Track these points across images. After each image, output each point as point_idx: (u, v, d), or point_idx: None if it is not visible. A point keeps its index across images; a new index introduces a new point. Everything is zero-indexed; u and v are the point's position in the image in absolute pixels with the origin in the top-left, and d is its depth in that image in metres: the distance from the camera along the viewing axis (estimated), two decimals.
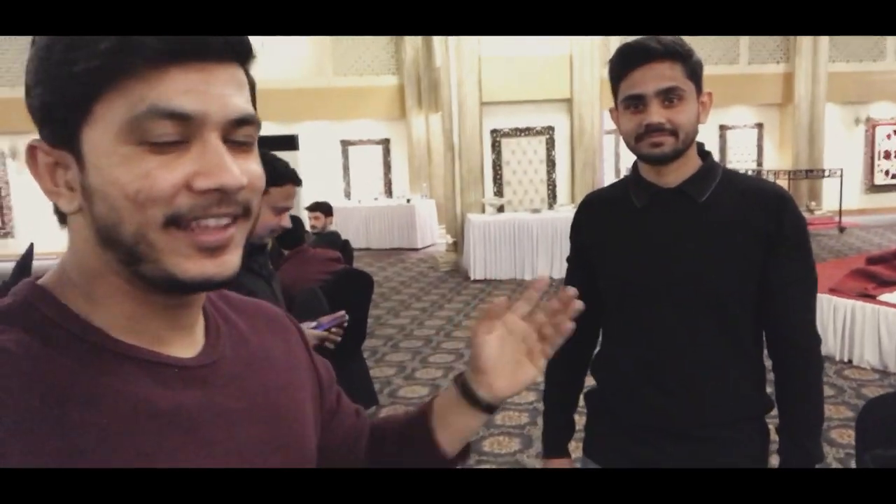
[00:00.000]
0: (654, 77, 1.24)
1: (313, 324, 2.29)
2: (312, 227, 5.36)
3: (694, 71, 1.28)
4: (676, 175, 1.31)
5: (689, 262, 1.27)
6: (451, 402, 0.81)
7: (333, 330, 2.41)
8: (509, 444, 3.45)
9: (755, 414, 1.36)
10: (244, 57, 0.59)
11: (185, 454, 0.56)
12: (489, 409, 0.79)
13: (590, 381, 1.49)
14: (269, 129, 11.07)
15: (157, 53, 0.53)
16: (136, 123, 0.53)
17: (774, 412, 1.36)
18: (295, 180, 1.88)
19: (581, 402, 1.52)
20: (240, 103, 0.57)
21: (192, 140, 0.54)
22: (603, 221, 1.41)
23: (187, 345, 0.62)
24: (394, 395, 4.17)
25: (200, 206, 0.55)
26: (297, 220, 3.77)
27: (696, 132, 1.30)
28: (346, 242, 5.23)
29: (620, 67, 1.28)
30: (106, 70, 0.52)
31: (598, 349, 1.49)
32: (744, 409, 1.34)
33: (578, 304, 0.76)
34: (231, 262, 0.58)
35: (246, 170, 0.57)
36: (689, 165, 1.32)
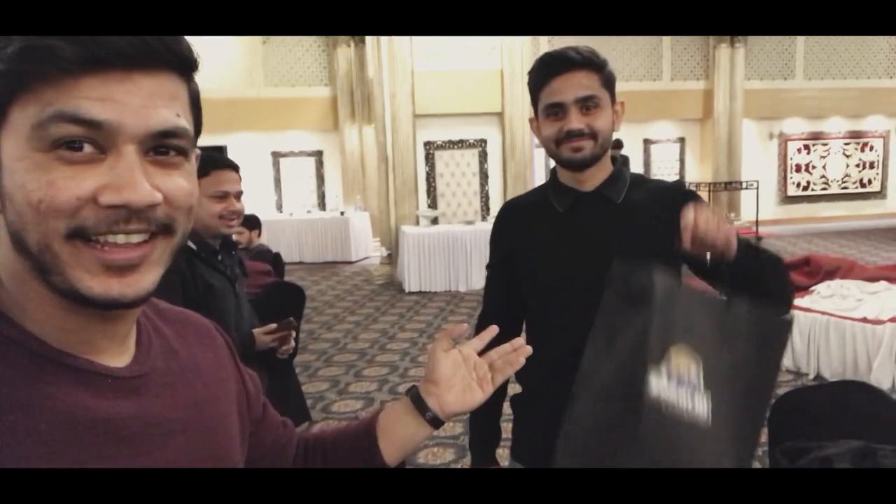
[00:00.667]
0: (574, 85, 1.30)
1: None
2: (238, 241, 5.19)
3: (608, 80, 1.35)
4: (594, 179, 1.39)
5: (609, 261, 1.30)
6: (398, 412, 0.86)
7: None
8: (444, 455, 3.46)
9: None
10: (180, 66, 0.57)
11: (118, 464, 0.56)
12: (435, 421, 0.84)
13: (515, 388, 1.51)
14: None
15: (70, 62, 0.51)
16: (41, 128, 0.51)
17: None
18: (219, 164, 1.90)
19: (507, 408, 1.54)
20: (165, 115, 0.55)
21: (108, 151, 0.53)
22: (525, 227, 1.44)
23: (119, 354, 0.61)
24: (327, 410, 4.11)
25: (106, 221, 0.53)
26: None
27: (611, 138, 1.38)
28: (278, 255, 5.12)
29: (541, 76, 1.34)
30: (16, 75, 0.51)
31: None
32: None
33: (528, 350, 0.88)
34: (142, 282, 0.56)
35: (168, 185, 0.56)
36: (605, 170, 1.40)
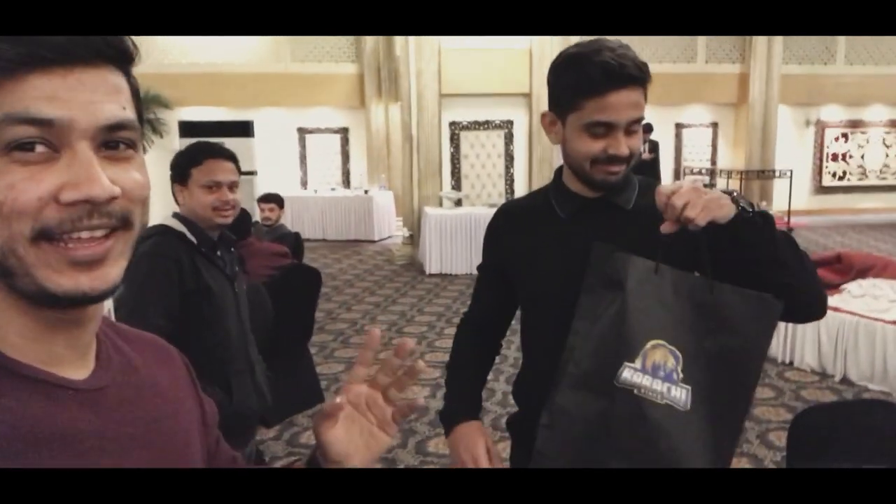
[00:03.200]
0: (630, 106, 1.17)
1: None
2: (266, 219, 5.15)
3: (646, 95, 1.23)
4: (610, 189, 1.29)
5: None
6: None
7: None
8: None
9: None
10: (118, 60, 0.58)
11: None
12: None
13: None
14: (222, 114, 10.81)
15: (13, 62, 0.51)
16: None
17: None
18: (212, 153, 1.85)
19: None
20: (112, 109, 0.56)
21: (62, 150, 0.53)
22: (524, 232, 1.35)
23: (79, 366, 0.61)
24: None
25: (69, 218, 0.53)
26: (242, 212, 3.66)
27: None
28: (297, 235, 5.11)
29: (594, 85, 1.16)
30: None
31: (518, 372, 1.45)
32: None
33: (410, 343, 0.75)
34: (110, 275, 0.57)
35: (123, 179, 0.56)
36: None
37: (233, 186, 1.87)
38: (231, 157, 1.91)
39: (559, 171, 1.34)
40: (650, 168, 9.07)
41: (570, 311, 1.24)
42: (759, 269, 1.12)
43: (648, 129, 9.09)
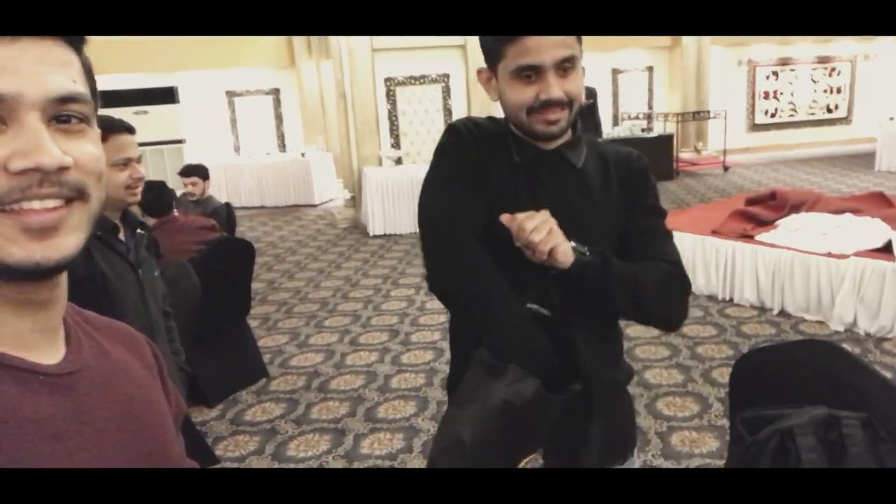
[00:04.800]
0: (553, 45, 1.10)
1: None
2: (189, 193, 4.86)
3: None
4: (554, 140, 1.23)
5: (570, 223, 1.17)
6: None
7: None
8: (404, 408, 3.38)
9: (623, 379, 1.36)
10: (67, 35, 0.59)
11: (52, 462, 0.56)
12: None
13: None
14: (143, 81, 10.25)
15: None
16: None
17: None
18: (116, 127, 1.76)
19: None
20: (60, 81, 0.56)
21: (10, 121, 0.54)
22: (488, 159, 1.23)
23: (50, 351, 0.61)
24: (285, 366, 3.99)
25: (19, 187, 0.54)
26: (161, 185, 3.46)
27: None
28: (228, 206, 4.89)
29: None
30: None
31: (453, 322, 1.37)
32: (618, 374, 1.34)
33: None
34: (64, 245, 0.57)
35: (76, 151, 0.57)
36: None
37: (139, 160, 1.81)
38: (132, 129, 1.84)
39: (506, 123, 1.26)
40: (590, 115, 9.02)
41: (516, 258, 1.14)
42: (611, 302, 1.20)
43: (591, 94, 9.00)
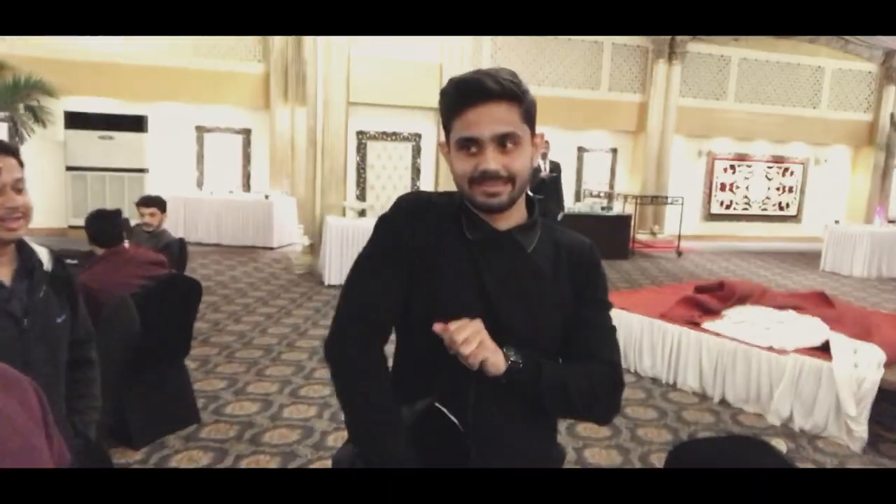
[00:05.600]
0: (492, 120, 1.16)
1: None
2: (146, 224, 4.76)
3: (529, 113, 1.21)
4: (507, 221, 1.27)
5: (515, 308, 1.21)
6: None
7: None
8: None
9: (554, 465, 1.39)
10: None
11: None
12: None
13: None
14: (114, 106, 10.16)
15: None
16: None
17: None
18: None
19: None
20: None
21: None
22: (433, 239, 1.24)
23: None
24: (219, 413, 3.85)
25: None
26: (110, 214, 3.37)
27: (529, 177, 1.25)
28: (181, 242, 4.79)
29: (454, 103, 1.19)
30: None
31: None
32: (546, 461, 1.34)
33: None
34: None
35: None
36: (519, 213, 1.28)
37: (17, 186, 1.51)
38: (10, 150, 1.54)
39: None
40: (553, 188, 9.20)
41: (440, 347, 1.17)
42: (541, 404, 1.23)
43: (555, 168, 9.20)
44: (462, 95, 1.17)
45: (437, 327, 1.14)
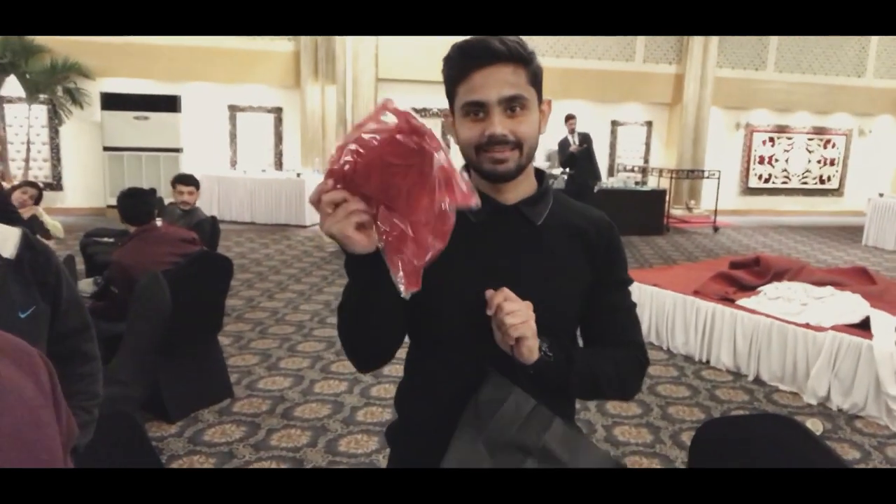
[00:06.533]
0: (498, 82, 1.12)
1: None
2: (184, 203, 4.83)
3: (536, 76, 1.17)
4: (515, 193, 1.22)
5: (527, 286, 1.15)
6: None
7: None
8: (367, 444, 3.31)
9: None
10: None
11: None
12: None
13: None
14: (149, 87, 10.30)
15: None
16: None
17: None
18: None
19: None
20: None
21: None
22: None
23: None
24: (252, 388, 3.92)
25: None
26: (141, 192, 3.43)
27: (537, 144, 1.20)
28: (213, 220, 4.85)
29: (459, 68, 1.15)
30: None
31: (404, 378, 1.34)
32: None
33: None
34: None
35: None
36: (528, 184, 1.24)
37: None
38: None
39: (467, 169, 1.24)
40: (587, 160, 9.07)
41: (464, 323, 1.17)
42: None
43: (586, 140, 9.09)
44: (467, 58, 1.14)
45: (489, 292, 1.11)
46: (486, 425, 1.11)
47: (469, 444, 1.09)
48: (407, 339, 1.34)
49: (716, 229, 10.90)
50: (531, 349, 1.10)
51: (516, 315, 1.08)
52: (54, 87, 9.61)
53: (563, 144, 9.06)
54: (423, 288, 1.21)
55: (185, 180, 4.83)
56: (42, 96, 9.76)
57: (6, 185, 5.84)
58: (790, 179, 13.64)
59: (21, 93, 9.53)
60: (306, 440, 3.31)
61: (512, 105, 1.13)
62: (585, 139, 9.04)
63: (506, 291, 1.10)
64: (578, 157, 8.87)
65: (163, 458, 3.04)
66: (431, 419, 1.19)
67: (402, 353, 1.33)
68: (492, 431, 1.10)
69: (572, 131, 9.02)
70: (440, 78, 1.19)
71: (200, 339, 3.62)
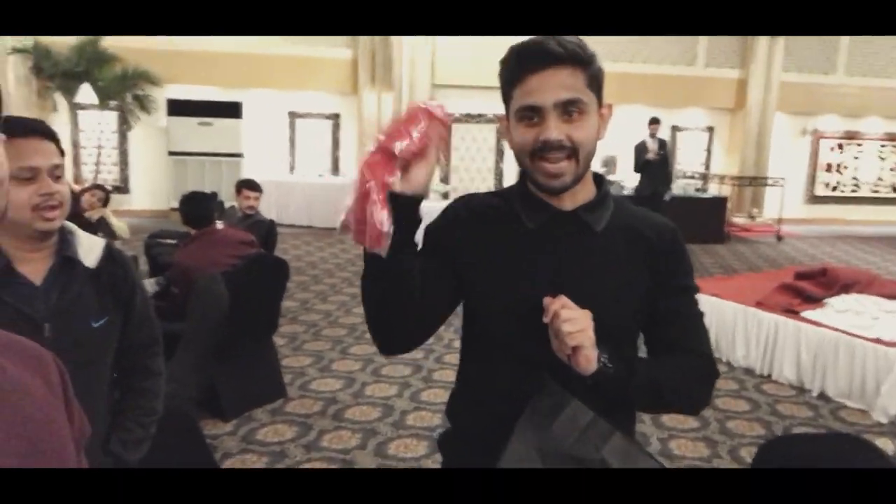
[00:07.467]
0: (554, 86, 1.08)
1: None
2: (250, 207, 4.93)
3: (596, 79, 1.13)
4: (573, 199, 1.18)
5: (586, 293, 1.11)
6: None
7: None
8: (416, 448, 3.31)
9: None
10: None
11: None
12: None
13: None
14: (212, 94, 10.62)
15: None
16: None
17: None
18: (19, 130, 1.28)
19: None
20: None
21: None
22: (485, 235, 1.21)
23: None
24: (305, 388, 3.98)
25: None
26: (200, 196, 3.53)
27: (595, 150, 1.16)
28: (271, 223, 4.96)
29: (514, 71, 1.12)
30: None
31: (456, 387, 1.32)
32: None
33: None
34: None
35: None
36: (586, 189, 1.20)
37: (55, 173, 1.34)
38: (49, 133, 1.36)
39: (524, 175, 1.22)
40: (662, 167, 8.78)
41: (523, 331, 1.14)
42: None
43: (655, 121, 8.83)
44: (522, 61, 1.10)
45: (546, 299, 1.07)
46: (542, 436, 1.08)
47: (523, 453, 1.07)
48: (459, 346, 1.33)
49: (779, 238, 10.52)
50: (589, 359, 1.06)
51: (574, 323, 1.04)
52: (124, 94, 10.01)
53: (641, 148, 8.77)
54: (477, 294, 1.21)
55: (251, 185, 4.94)
56: (112, 103, 10.18)
57: (77, 187, 6.10)
58: (860, 188, 13.04)
59: (94, 100, 9.96)
60: (356, 442, 3.33)
61: (568, 109, 1.09)
62: (663, 146, 8.78)
63: (563, 298, 1.07)
64: (654, 164, 8.63)
65: (216, 456, 3.11)
66: (485, 429, 1.17)
67: (454, 359, 1.33)
68: (546, 442, 1.07)
69: (653, 136, 8.74)
70: (496, 83, 1.17)
71: (256, 340, 3.69)
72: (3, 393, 0.62)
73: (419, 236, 1.16)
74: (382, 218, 0.99)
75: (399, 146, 1.00)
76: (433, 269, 1.17)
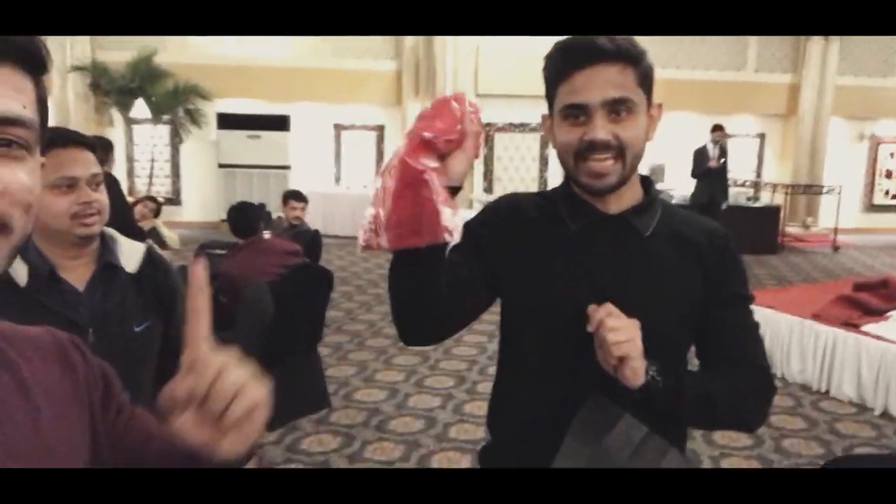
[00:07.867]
0: (602, 84, 1.04)
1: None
2: (296, 218, 5.01)
3: (646, 77, 1.09)
4: (619, 202, 1.14)
5: (633, 301, 1.06)
6: None
7: None
8: (459, 461, 3.28)
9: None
10: (25, 63, 0.58)
11: None
12: None
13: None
14: (260, 107, 10.85)
15: None
16: None
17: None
18: (59, 140, 1.32)
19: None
20: (8, 104, 0.56)
21: None
22: (528, 236, 1.17)
23: None
24: (349, 399, 3.99)
25: None
26: (246, 206, 3.58)
27: (643, 151, 1.11)
28: (316, 233, 5.01)
29: (560, 67, 1.07)
30: None
31: (494, 397, 1.29)
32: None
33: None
34: None
35: (8, 178, 0.55)
36: (633, 192, 1.15)
37: (94, 182, 1.36)
38: (87, 143, 1.38)
39: (568, 176, 1.18)
40: (720, 176, 8.47)
41: (565, 336, 1.09)
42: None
43: (718, 128, 8.54)
44: (568, 57, 1.05)
45: (591, 307, 1.03)
46: (593, 451, 1.04)
47: (575, 463, 1.03)
48: (498, 354, 1.30)
49: (836, 248, 10.14)
50: (635, 370, 1.01)
51: (620, 332, 0.99)
52: (176, 109, 10.31)
53: (700, 154, 8.52)
54: (515, 295, 1.17)
55: (297, 196, 5.02)
56: (165, 117, 10.49)
57: (130, 199, 6.30)
58: None
59: (147, 114, 10.28)
60: (399, 454, 3.32)
61: (617, 108, 1.05)
62: (724, 153, 8.48)
63: (609, 307, 1.02)
64: (713, 172, 8.36)
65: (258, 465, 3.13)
66: (526, 442, 1.14)
67: (494, 369, 1.30)
68: (597, 457, 1.03)
69: (716, 143, 8.46)
70: (540, 91, 1.13)
71: (301, 349, 3.71)
72: (15, 393, 0.62)
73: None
74: (447, 207, 0.95)
75: (441, 137, 0.97)
76: (467, 265, 1.13)
